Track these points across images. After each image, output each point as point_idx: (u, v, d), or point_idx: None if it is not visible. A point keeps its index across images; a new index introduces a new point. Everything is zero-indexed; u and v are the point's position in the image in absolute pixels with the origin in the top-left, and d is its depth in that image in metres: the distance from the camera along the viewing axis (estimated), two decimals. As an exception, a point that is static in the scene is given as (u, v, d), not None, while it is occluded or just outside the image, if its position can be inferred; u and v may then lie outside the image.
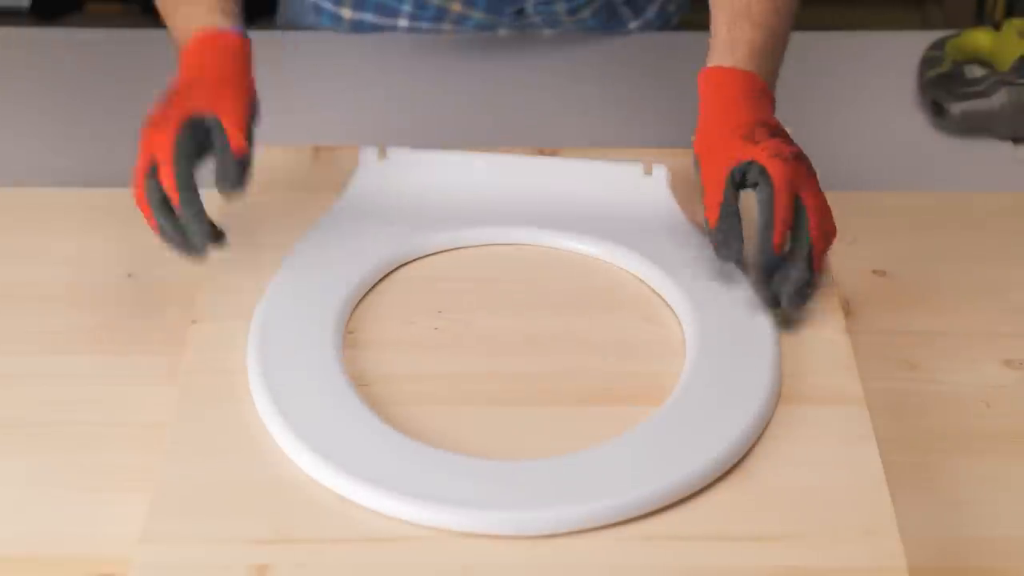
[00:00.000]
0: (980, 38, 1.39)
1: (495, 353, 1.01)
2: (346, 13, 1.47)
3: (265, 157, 1.16)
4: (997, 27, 1.39)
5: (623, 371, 1.00)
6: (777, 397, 0.96)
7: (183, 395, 0.96)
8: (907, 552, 0.87)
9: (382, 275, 1.07)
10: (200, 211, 1.00)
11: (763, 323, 1.01)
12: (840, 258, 1.13)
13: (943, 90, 1.34)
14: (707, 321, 1.01)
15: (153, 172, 1.01)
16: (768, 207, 1.00)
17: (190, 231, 1.00)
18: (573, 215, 1.11)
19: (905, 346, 1.08)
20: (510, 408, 0.97)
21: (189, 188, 1.00)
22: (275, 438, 0.93)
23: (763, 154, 1.02)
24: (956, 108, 1.32)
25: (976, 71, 1.36)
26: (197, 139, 1.02)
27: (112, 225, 1.18)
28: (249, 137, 1.03)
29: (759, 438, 0.94)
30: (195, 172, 1.01)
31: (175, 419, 0.95)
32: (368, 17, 1.47)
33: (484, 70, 1.42)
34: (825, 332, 1.02)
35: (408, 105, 1.38)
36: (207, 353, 1.00)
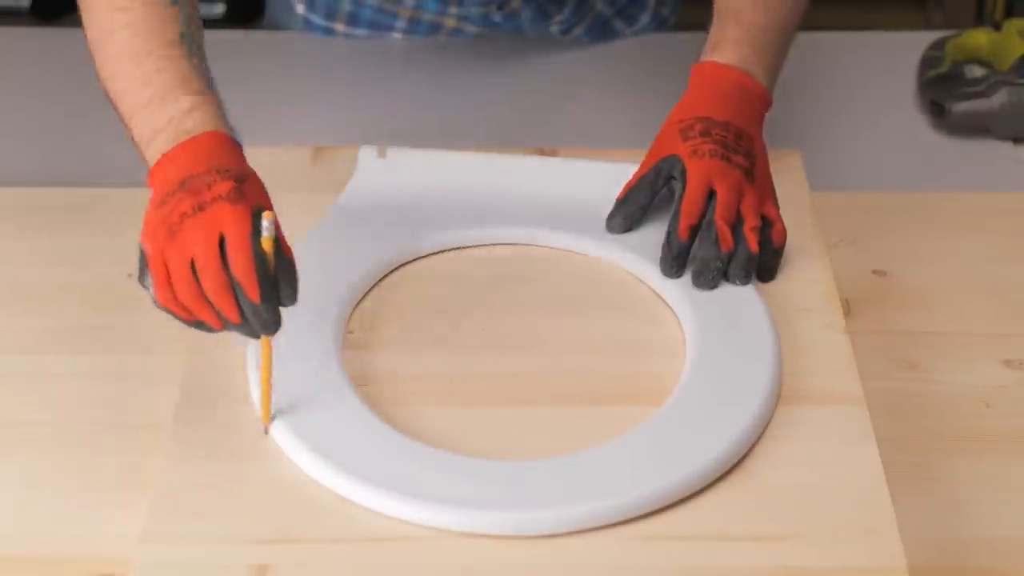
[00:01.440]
0: (980, 38, 1.39)
1: (495, 353, 1.01)
2: (339, 27, 1.47)
3: (265, 157, 1.17)
4: (997, 27, 1.39)
5: (623, 371, 1.00)
6: (777, 397, 0.96)
7: (183, 395, 0.96)
8: (907, 552, 0.87)
9: (382, 275, 1.07)
10: (277, 294, 0.90)
11: (763, 323, 1.01)
12: (840, 258, 1.13)
13: (943, 90, 1.34)
14: (707, 321, 1.01)
15: (192, 266, 0.90)
16: (679, 199, 1.04)
17: (265, 314, 0.89)
18: (573, 215, 1.11)
19: (905, 346, 1.08)
20: (510, 408, 0.97)
21: (267, 271, 0.89)
22: (275, 438, 0.93)
23: (686, 151, 1.06)
24: (956, 108, 1.32)
25: (976, 71, 1.36)
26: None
27: (112, 225, 1.18)
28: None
29: (759, 438, 0.94)
30: None
31: (175, 419, 0.95)
32: (360, 32, 1.46)
33: (484, 70, 1.42)
34: (825, 332, 1.02)
35: (408, 105, 1.38)
36: (207, 353, 1.00)
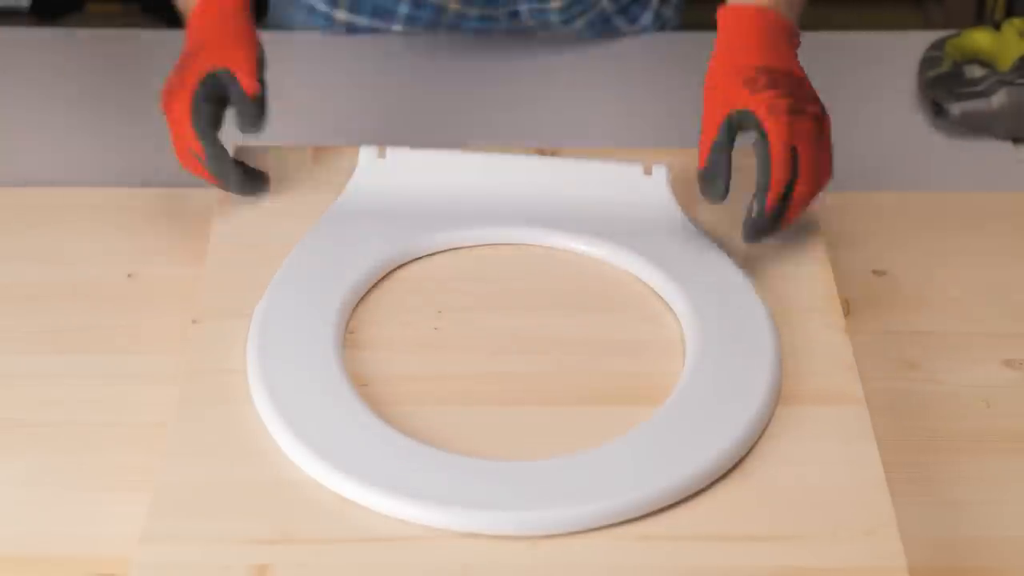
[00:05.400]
0: (980, 38, 1.39)
1: (495, 353, 1.01)
2: (340, 15, 1.46)
3: (265, 157, 1.17)
4: (997, 27, 1.39)
5: (623, 371, 1.00)
6: (777, 397, 0.96)
7: (183, 395, 0.96)
8: (907, 552, 0.87)
9: (382, 275, 1.07)
10: (227, 162, 1.09)
11: (763, 323, 1.01)
12: (840, 258, 1.13)
13: (943, 90, 1.34)
14: (707, 321, 1.01)
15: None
16: (766, 168, 1.02)
17: (229, 181, 1.09)
18: (573, 215, 1.11)
19: (905, 346, 1.08)
20: (510, 408, 0.97)
21: (212, 143, 1.08)
22: (275, 438, 0.93)
23: (761, 107, 1.03)
24: (956, 108, 1.32)
25: (976, 71, 1.36)
26: (215, 95, 1.09)
27: (112, 225, 1.18)
28: (261, 80, 1.10)
29: (759, 438, 0.94)
30: (219, 125, 1.10)
31: (175, 419, 0.95)
32: (363, 20, 1.46)
33: (484, 70, 1.42)
34: (825, 332, 1.02)
35: (407, 105, 1.38)
36: (207, 353, 1.00)
